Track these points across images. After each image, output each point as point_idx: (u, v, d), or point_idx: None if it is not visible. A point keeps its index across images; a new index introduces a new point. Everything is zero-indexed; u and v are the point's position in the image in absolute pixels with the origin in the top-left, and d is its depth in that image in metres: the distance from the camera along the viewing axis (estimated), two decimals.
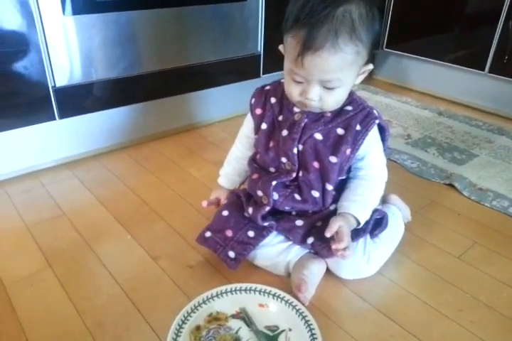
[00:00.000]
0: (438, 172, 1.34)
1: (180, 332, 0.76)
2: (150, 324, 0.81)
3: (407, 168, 1.37)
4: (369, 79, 2.21)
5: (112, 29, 1.26)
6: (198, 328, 0.78)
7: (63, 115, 1.27)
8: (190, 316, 0.79)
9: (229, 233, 0.93)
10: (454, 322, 0.82)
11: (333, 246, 0.81)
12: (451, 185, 1.27)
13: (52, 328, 0.80)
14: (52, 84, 1.22)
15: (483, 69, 1.76)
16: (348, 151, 0.86)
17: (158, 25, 1.35)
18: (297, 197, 0.91)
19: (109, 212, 1.14)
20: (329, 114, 0.85)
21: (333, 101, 0.81)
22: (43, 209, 1.14)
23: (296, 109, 0.87)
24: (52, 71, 1.20)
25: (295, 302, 0.82)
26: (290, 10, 0.76)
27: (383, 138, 0.95)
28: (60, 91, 1.23)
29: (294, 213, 0.95)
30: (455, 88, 1.93)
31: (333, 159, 0.86)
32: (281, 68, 0.83)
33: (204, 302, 0.82)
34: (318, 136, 0.86)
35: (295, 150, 0.88)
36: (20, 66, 1.15)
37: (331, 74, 0.75)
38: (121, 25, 1.27)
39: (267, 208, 0.91)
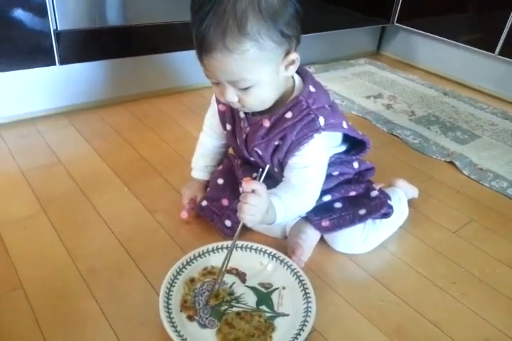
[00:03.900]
0: (439, 149, 1.33)
1: (175, 283, 0.75)
2: (144, 273, 0.80)
3: (409, 144, 1.36)
4: (376, 54, 2.18)
5: None
6: (192, 280, 0.77)
7: (64, 61, 1.23)
8: (186, 268, 0.78)
9: (225, 202, 0.91)
10: (446, 293, 0.83)
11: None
12: (452, 163, 1.26)
13: (45, 271, 0.80)
14: (54, 27, 1.17)
15: (493, 51, 1.73)
16: (281, 160, 0.82)
17: None
18: None
19: (106, 163, 1.12)
20: (267, 124, 0.78)
21: (253, 101, 0.73)
22: (38, 156, 1.12)
23: (241, 114, 0.83)
24: (55, 13, 1.15)
25: (290, 262, 0.82)
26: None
27: (361, 150, 0.88)
28: (61, 35, 1.19)
29: None
30: (462, 69, 1.90)
31: (276, 169, 0.85)
32: None
33: (200, 255, 0.81)
34: (258, 151, 0.82)
35: (252, 158, 0.87)
36: (21, 5, 1.09)
37: (233, 75, 0.68)
38: None
39: None
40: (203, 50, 0.66)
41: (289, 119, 0.76)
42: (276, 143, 0.79)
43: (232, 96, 0.72)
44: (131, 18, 1.28)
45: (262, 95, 0.73)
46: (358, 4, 1.87)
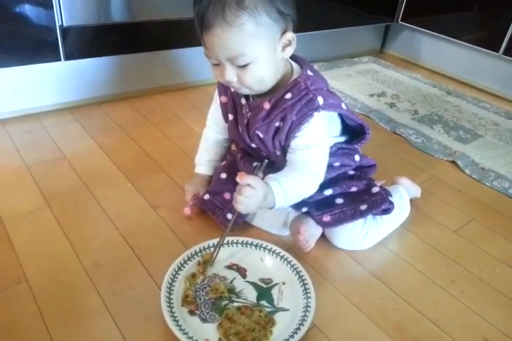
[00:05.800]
0: (442, 149, 1.34)
1: (176, 278, 0.76)
2: (146, 268, 0.81)
3: (412, 143, 1.36)
4: (380, 52, 2.18)
5: None
6: (193, 275, 0.78)
7: (69, 56, 1.23)
8: (187, 264, 0.79)
9: (227, 196, 0.92)
10: (445, 291, 0.84)
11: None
12: (454, 163, 1.27)
13: (49, 264, 0.81)
14: (60, 23, 1.17)
15: (497, 51, 1.72)
16: (283, 142, 0.83)
17: None
18: None
19: (110, 159, 1.13)
20: (268, 106, 0.80)
21: (251, 79, 0.75)
22: (43, 151, 1.13)
23: (242, 101, 0.84)
24: (60, 8, 1.15)
25: (290, 258, 0.82)
26: None
27: (362, 138, 0.89)
28: (67, 31, 1.19)
29: None
30: (466, 68, 1.90)
31: (278, 152, 0.85)
32: None
33: (201, 251, 0.82)
34: (260, 134, 0.83)
35: (253, 145, 0.87)
36: (27, 1, 1.10)
37: (232, 50, 0.70)
38: None
39: None
40: (204, 27, 0.69)
41: (289, 100, 0.78)
42: (276, 124, 0.81)
43: (231, 76, 0.74)
44: (136, 14, 1.29)
45: (259, 73, 0.75)
46: (363, 2, 1.86)
